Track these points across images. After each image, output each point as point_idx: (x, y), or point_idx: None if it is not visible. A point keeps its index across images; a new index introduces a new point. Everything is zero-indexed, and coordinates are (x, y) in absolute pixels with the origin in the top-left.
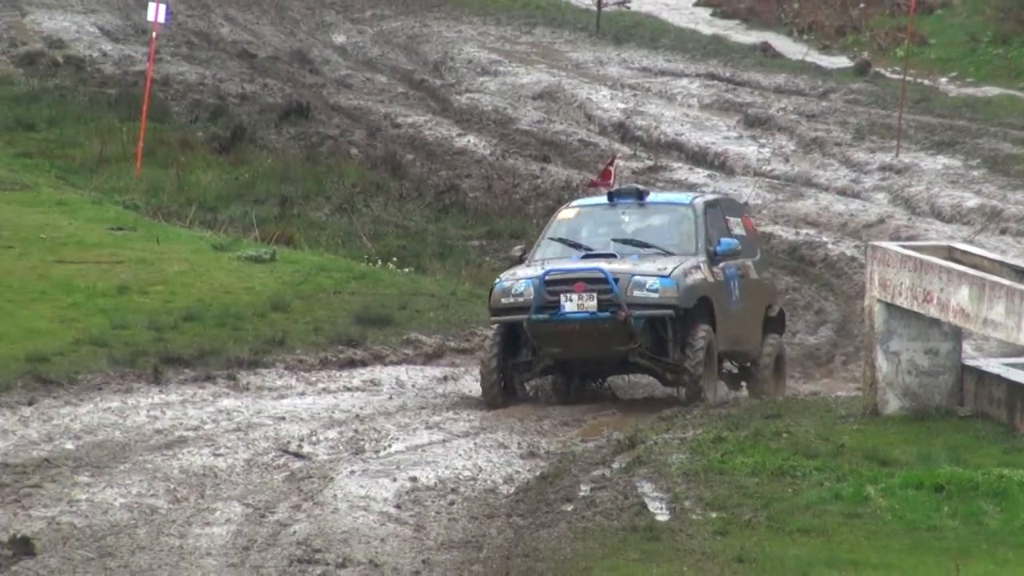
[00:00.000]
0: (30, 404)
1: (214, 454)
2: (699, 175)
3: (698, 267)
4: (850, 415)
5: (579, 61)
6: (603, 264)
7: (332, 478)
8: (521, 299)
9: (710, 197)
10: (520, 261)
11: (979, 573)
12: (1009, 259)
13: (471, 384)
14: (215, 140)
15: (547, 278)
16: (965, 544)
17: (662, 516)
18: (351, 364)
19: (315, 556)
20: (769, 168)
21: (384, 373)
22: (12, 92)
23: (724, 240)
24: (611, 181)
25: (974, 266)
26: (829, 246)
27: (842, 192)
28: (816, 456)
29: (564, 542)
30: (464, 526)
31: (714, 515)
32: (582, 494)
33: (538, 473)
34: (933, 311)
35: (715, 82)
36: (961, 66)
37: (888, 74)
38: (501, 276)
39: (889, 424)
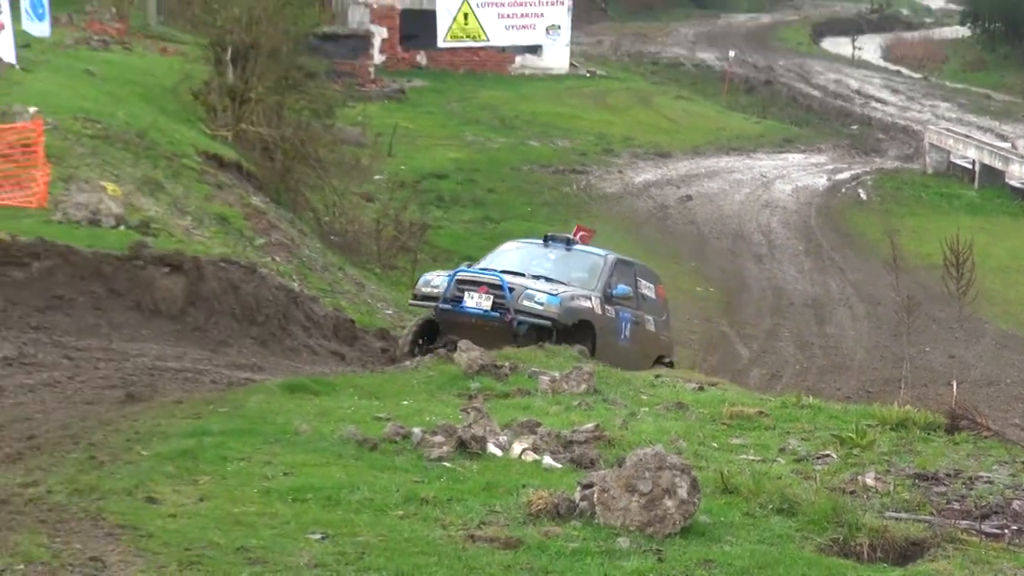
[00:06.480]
0: None
1: None
2: None
3: (589, 298)
4: None
5: None
6: (506, 276)
7: None
8: (436, 290)
9: (627, 258)
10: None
11: None
12: None
13: None
14: None
15: (457, 277)
16: None
17: None
18: None
19: None
20: None
21: None
22: None
23: (620, 286)
24: (580, 236)
25: None
26: None
27: None
28: None
29: None
30: None
31: None
32: None
33: None
34: None
35: None
36: None
37: None
38: (427, 272)
39: None
